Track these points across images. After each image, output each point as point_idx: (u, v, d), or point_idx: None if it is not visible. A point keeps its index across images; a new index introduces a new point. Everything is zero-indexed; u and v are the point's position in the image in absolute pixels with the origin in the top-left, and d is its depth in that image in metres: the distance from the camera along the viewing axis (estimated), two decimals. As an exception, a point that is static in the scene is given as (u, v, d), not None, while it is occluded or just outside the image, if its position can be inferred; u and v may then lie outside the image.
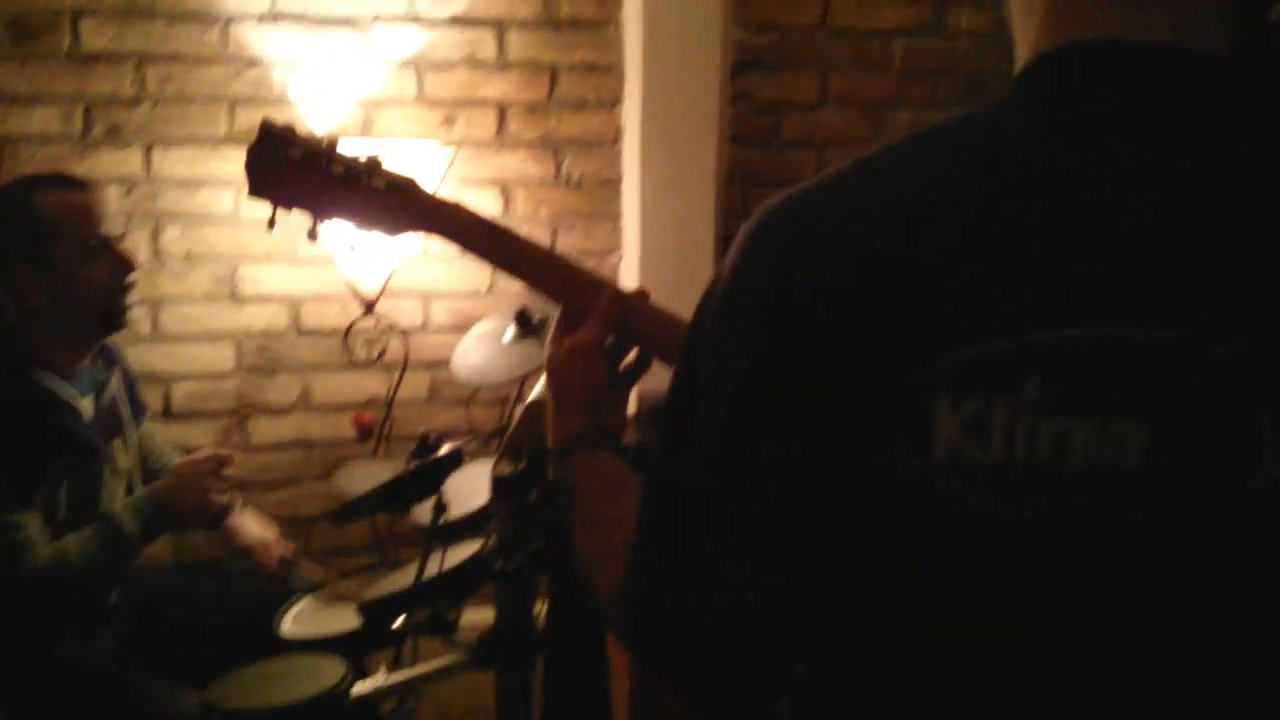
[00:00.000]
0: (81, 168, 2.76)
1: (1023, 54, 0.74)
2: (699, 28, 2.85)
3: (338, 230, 1.26)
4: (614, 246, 3.13)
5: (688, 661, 0.77)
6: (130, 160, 2.82)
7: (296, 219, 1.20)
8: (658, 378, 1.05)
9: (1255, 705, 0.63)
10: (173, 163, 2.84)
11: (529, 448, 1.55)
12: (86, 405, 2.11)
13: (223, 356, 2.95)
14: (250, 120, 2.84)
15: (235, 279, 2.92)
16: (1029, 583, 0.64)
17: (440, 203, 1.20)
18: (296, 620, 2.11)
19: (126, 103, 2.80)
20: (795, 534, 0.69)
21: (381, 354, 3.00)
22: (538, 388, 1.49)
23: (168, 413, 2.92)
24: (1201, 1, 0.70)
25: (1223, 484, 0.61)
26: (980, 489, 0.63)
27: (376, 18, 2.89)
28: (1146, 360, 0.62)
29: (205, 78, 2.83)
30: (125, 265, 2.07)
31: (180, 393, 2.94)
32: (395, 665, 1.95)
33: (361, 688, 1.86)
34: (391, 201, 1.18)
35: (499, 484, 1.59)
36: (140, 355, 2.83)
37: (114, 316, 2.09)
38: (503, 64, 2.99)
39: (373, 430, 2.99)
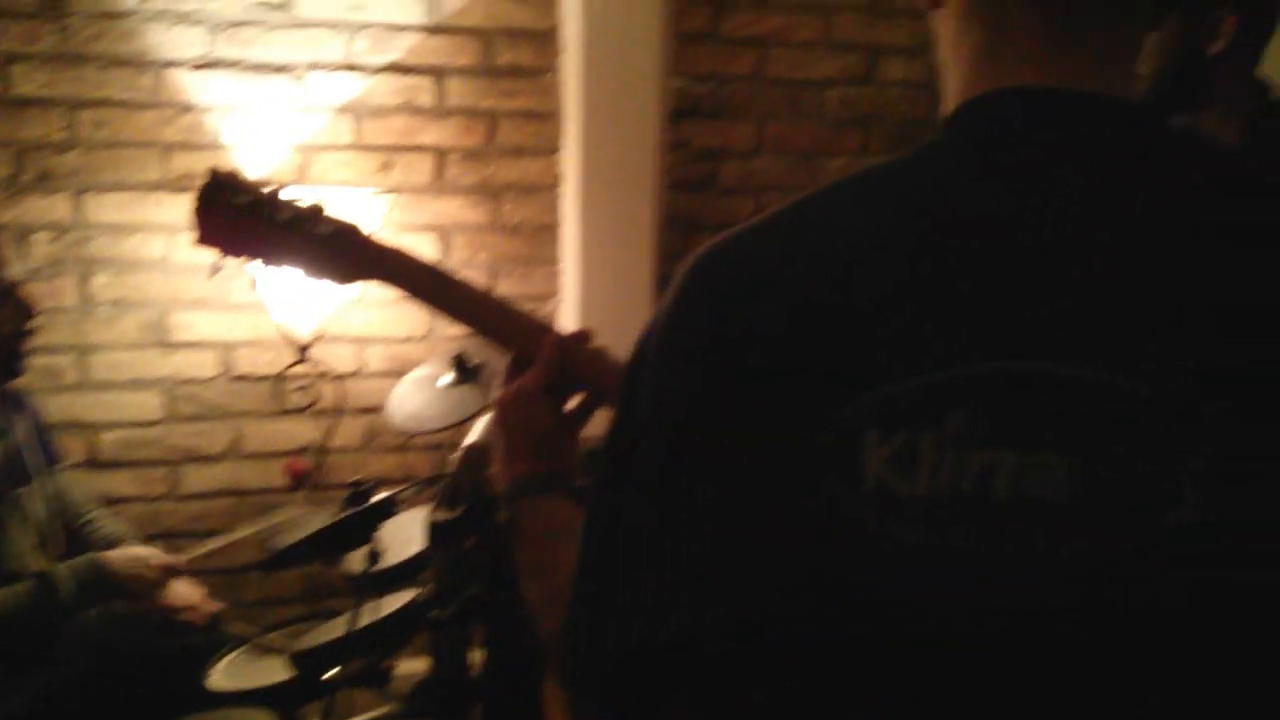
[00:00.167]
0: (11, 214, 2.71)
1: (952, 99, 0.76)
2: (637, 76, 2.88)
3: (275, 276, 1.25)
4: (553, 291, 3.14)
5: (632, 696, 0.77)
6: (60, 206, 2.78)
7: (229, 264, 1.19)
8: (600, 422, 1.05)
9: None
10: (104, 208, 2.80)
11: (466, 493, 1.54)
12: None
13: (152, 404, 2.90)
14: (183, 166, 2.82)
15: (166, 325, 2.88)
16: (960, 614, 0.64)
17: (385, 249, 1.19)
18: (226, 673, 2.07)
19: (57, 148, 2.76)
20: (734, 569, 0.69)
21: (315, 401, 2.97)
22: (475, 432, 1.48)
23: (95, 462, 2.86)
24: (1119, 53, 0.72)
25: (1145, 519, 0.62)
26: (908, 522, 0.64)
27: (313, 65, 2.89)
28: (1070, 396, 0.63)
29: (138, 123, 2.80)
30: (25, 311, 2.03)
31: (108, 441, 2.88)
32: (328, 717, 1.91)
33: (293, 741, 1.82)
34: (336, 248, 1.18)
35: (435, 530, 1.57)
36: (67, 403, 2.78)
37: (13, 363, 2.06)
38: (441, 111, 2.99)
39: (306, 478, 2.95)
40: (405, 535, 1.87)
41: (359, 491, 1.91)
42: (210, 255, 1.18)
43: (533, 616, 0.94)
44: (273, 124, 2.88)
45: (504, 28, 3.00)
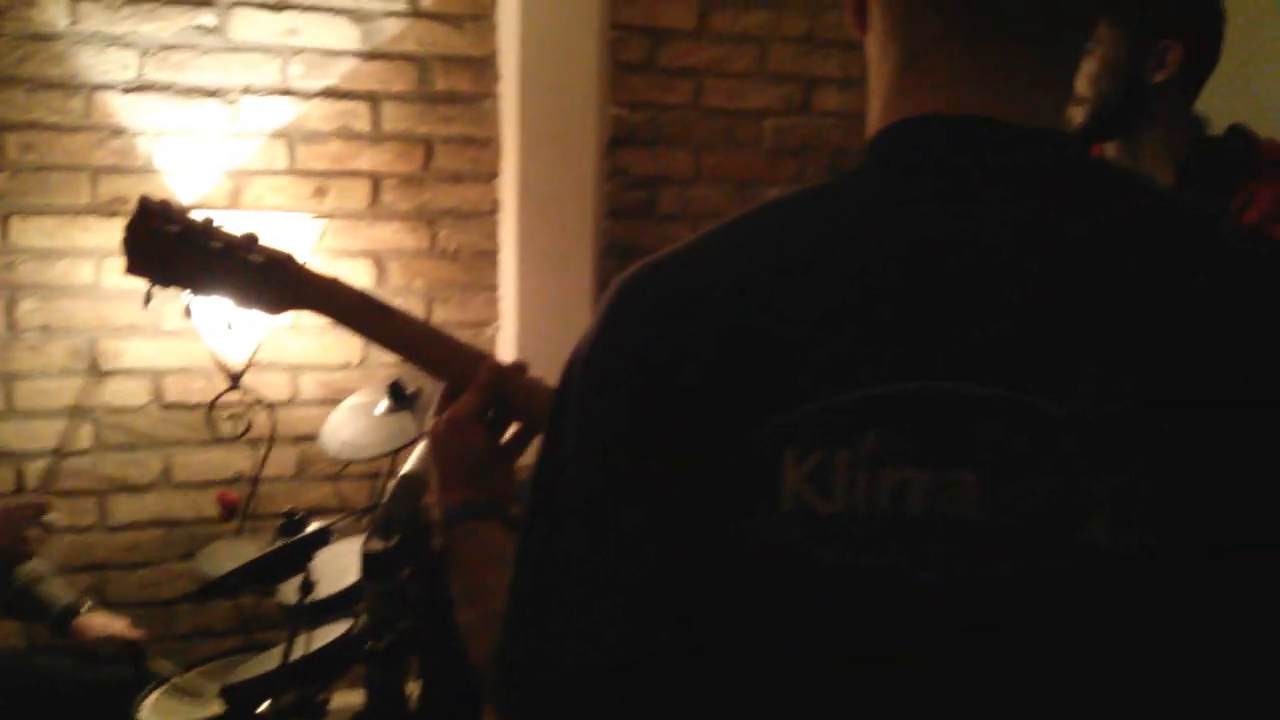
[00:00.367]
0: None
1: (872, 124, 0.77)
2: (575, 104, 2.90)
3: (208, 304, 1.23)
4: (491, 318, 3.12)
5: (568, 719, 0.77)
6: (-16, 229, 2.73)
7: (160, 293, 1.17)
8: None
9: None
10: (31, 233, 2.75)
11: (401, 523, 1.52)
12: None
13: (80, 433, 2.84)
14: (114, 190, 2.78)
15: (95, 352, 2.83)
16: (881, 631, 0.65)
17: (318, 278, 1.19)
18: (155, 709, 2.02)
19: (-18, 170, 2.71)
20: (664, 592, 0.70)
21: (247, 429, 2.92)
22: (411, 461, 1.46)
23: (22, 491, 2.78)
24: (1039, 80, 0.73)
25: (1054, 536, 0.63)
26: (827, 541, 0.64)
27: (247, 89, 2.86)
28: (981, 415, 0.63)
29: (67, 146, 2.75)
30: None
31: (35, 471, 2.81)
32: (260, 753, 1.88)
33: (224, 777, 1.78)
34: (269, 277, 1.17)
35: (369, 561, 1.55)
36: (-9, 432, 2.72)
37: None
38: (377, 136, 2.98)
39: (238, 508, 2.90)
40: (339, 566, 1.85)
41: (292, 521, 1.88)
42: (141, 283, 1.16)
43: (467, 643, 0.94)
44: (206, 148, 2.84)
45: (441, 54, 3.00)
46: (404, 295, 3.03)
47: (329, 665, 1.84)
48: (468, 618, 0.97)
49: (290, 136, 2.91)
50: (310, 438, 2.87)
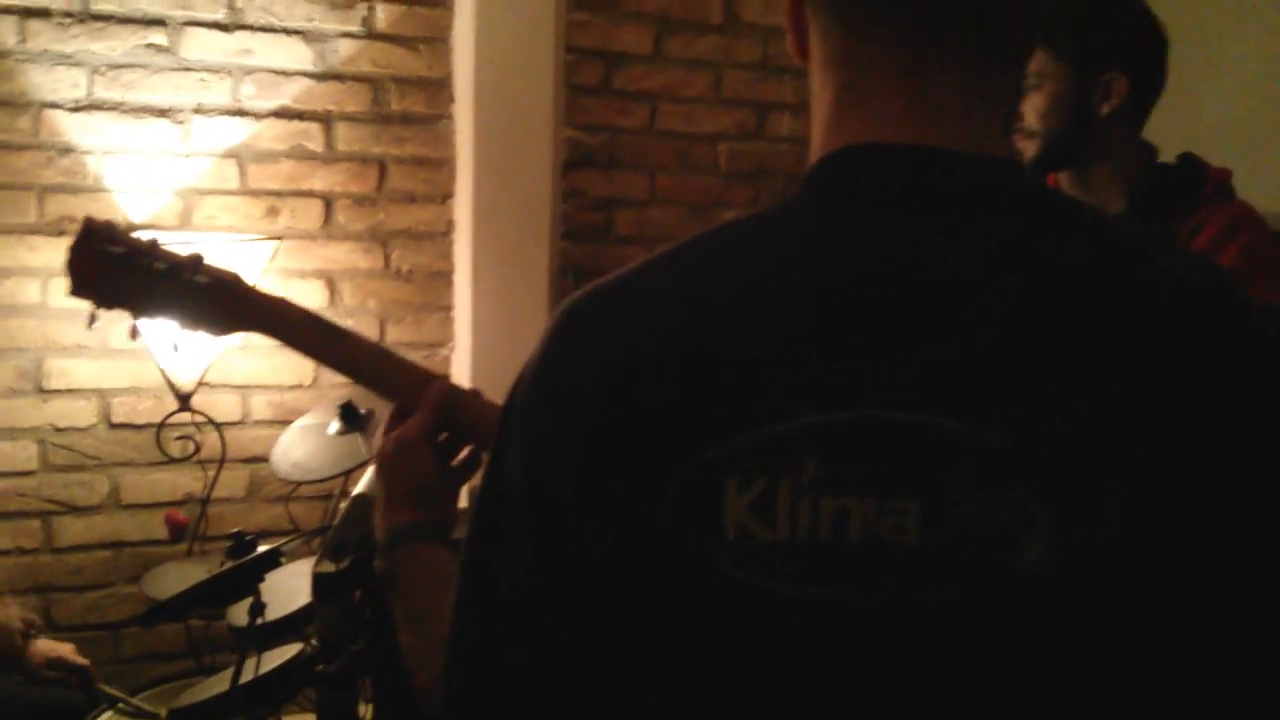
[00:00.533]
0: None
1: (813, 151, 0.77)
2: (530, 126, 2.90)
3: (156, 325, 1.22)
4: (445, 339, 3.12)
5: None
6: (-71, 248, 2.69)
7: (105, 314, 1.16)
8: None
9: None
10: (-24, 251, 2.72)
11: (353, 545, 1.52)
12: None
13: (26, 454, 2.80)
14: (61, 209, 2.75)
15: (41, 372, 2.79)
16: (823, 658, 0.65)
17: (266, 299, 1.18)
18: (101, 734, 1.99)
19: (-73, 188, 2.67)
20: (606, 616, 0.70)
21: (197, 450, 2.89)
22: (362, 482, 1.46)
23: (-37, 514, 2.74)
24: (977, 107, 0.73)
25: (994, 564, 0.63)
26: (768, 568, 0.64)
27: (198, 108, 2.84)
28: (921, 444, 0.64)
29: (14, 165, 2.72)
30: None
31: (-23, 492, 2.77)
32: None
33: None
34: (215, 298, 1.16)
35: (320, 582, 1.54)
36: (-67, 453, 2.67)
37: None
38: (330, 156, 2.97)
39: (186, 530, 2.87)
40: (291, 588, 1.84)
41: (242, 543, 1.87)
42: (86, 304, 1.15)
43: (409, 666, 0.93)
44: (156, 168, 2.82)
45: (396, 75, 3.00)
46: (357, 316, 3.01)
47: (279, 688, 1.82)
48: (409, 642, 0.96)
49: (242, 156, 2.89)
50: (261, 459, 2.85)
